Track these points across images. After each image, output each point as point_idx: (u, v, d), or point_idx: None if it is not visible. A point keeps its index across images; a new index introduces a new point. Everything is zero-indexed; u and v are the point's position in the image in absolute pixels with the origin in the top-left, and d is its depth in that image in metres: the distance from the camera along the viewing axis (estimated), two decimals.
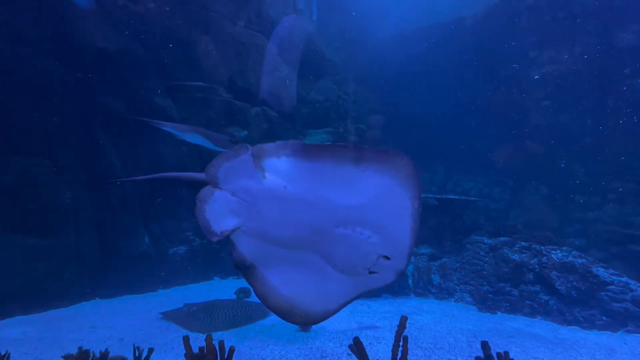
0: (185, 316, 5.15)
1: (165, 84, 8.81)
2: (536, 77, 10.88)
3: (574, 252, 6.97)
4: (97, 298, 7.18)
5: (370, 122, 14.56)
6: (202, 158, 9.48)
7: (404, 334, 2.22)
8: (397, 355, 2.31)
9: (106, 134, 7.83)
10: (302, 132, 13.45)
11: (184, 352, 3.25)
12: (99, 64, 7.55)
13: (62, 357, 3.38)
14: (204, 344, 2.94)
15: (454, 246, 9.49)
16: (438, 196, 10.35)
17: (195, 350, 3.27)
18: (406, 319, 2.22)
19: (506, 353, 3.67)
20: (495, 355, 3.66)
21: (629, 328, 5.86)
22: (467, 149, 12.75)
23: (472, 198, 10.90)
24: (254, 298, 7.19)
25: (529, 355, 4.63)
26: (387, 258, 1.90)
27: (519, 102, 11.34)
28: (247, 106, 10.56)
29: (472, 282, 8.11)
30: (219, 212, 1.90)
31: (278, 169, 1.83)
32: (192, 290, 8.08)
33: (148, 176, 2.37)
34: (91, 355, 3.35)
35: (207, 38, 9.82)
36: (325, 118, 13.59)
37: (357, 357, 2.13)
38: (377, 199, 1.78)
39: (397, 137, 13.39)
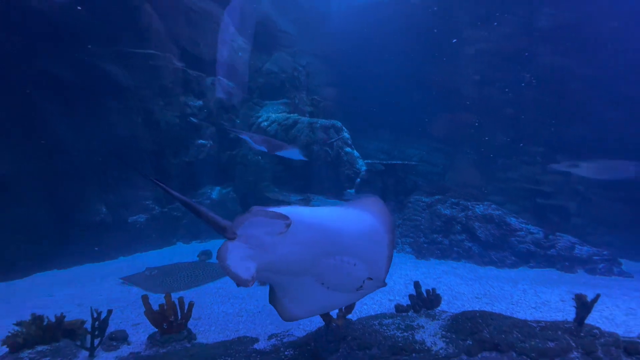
0: (146, 279, 4.98)
1: (114, 50, 7.90)
2: (469, 53, 11.26)
3: (493, 206, 7.64)
4: (54, 269, 6.68)
5: (324, 93, 14.36)
6: (157, 131, 8.85)
7: None
8: None
9: (52, 103, 6.94)
10: (259, 104, 12.94)
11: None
12: (39, 27, 6.53)
13: (14, 324, 3.15)
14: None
15: (397, 205, 9.93)
16: (384, 162, 10.65)
17: (157, 308, 3.21)
18: None
19: (433, 290, 4.04)
20: (424, 292, 4.02)
21: (531, 264, 6.67)
22: (412, 119, 13.09)
23: (413, 163, 11.38)
24: (215, 259, 7.12)
25: (453, 290, 5.13)
26: (371, 279, 2.23)
27: (455, 76, 11.73)
28: (202, 75, 9.87)
29: (411, 235, 8.64)
30: (241, 262, 2.02)
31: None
32: (154, 255, 7.80)
33: (179, 196, 2.34)
34: (46, 320, 3.16)
35: (156, 3, 8.84)
36: (281, 89, 13.15)
37: None
38: (362, 236, 2.12)
39: (348, 108, 13.40)
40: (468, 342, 3.19)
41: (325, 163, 11.31)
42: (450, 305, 4.52)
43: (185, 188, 9.71)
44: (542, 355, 3.10)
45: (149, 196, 8.59)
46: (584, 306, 3.28)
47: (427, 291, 3.92)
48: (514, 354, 3.10)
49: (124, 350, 2.89)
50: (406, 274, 6.10)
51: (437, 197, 8.64)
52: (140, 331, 3.42)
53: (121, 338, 2.97)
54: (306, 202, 9.83)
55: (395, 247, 8.60)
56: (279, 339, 3.56)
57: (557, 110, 9.34)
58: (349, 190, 11.68)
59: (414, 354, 3.17)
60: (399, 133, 14.47)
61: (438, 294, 3.94)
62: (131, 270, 5.93)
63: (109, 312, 3.09)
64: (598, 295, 3.20)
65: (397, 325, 3.56)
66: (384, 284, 2.28)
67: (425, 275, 6.09)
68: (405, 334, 3.41)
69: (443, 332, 3.37)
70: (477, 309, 3.57)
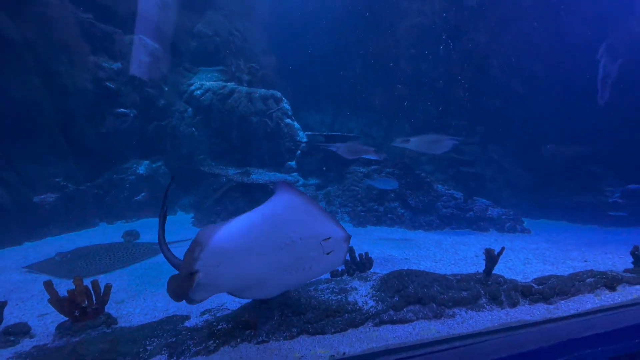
0: (57, 265, 4.39)
1: None
2: (405, 26, 11.49)
3: (423, 174, 8.19)
4: None
5: (263, 62, 13.65)
6: (64, 96, 7.61)
7: None
8: None
9: None
10: (191, 70, 11.86)
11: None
12: None
13: None
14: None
15: (337, 176, 10.16)
16: (325, 133, 10.68)
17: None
18: None
19: (366, 253, 4.27)
20: (357, 256, 4.23)
21: (453, 226, 7.41)
22: (353, 91, 13.14)
23: (352, 135, 11.62)
24: (143, 240, 6.61)
25: (385, 253, 5.46)
26: (327, 238, 2.24)
27: (392, 49, 11.95)
28: (118, 32, 8.60)
29: (349, 204, 8.96)
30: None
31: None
32: (69, 239, 6.94)
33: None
34: None
35: None
36: (216, 54, 12.16)
37: None
38: (292, 216, 2.15)
39: (289, 79, 12.97)
40: (395, 298, 3.43)
41: (264, 135, 10.98)
42: (383, 267, 4.80)
43: (104, 163, 8.68)
44: (457, 304, 3.48)
45: (60, 172, 7.52)
46: (491, 259, 3.72)
47: (360, 255, 4.11)
48: (434, 305, 3.43)
49: (25, 344, 2.53)
50: None
51: (373, 167, 8.97)
52: (48, 322, 3.04)
53: (21, 332, 2.59)
54: (245, 175, 9.53)
55: (336, 217, 8.86)
56: (212, 314, 3.45)
57: (480, 85, 10.14)
58: (289, 163, 11.59)
59: (346, 315, 3.32)
60: (340, 105, 14.52)
61: (370, 257, 4.15)
62: (39, 257, 5.19)
63: (3, 304, 2.66)
64: (502, 249, 3.65)
65: (331, 289, 3.68)
66: (347, 235, 2.31)
67: (361, 241, 6.40)
68: (338, 296, 3.55)
69: (374, 292, 3.57)
70: (405, 268, 3.84)
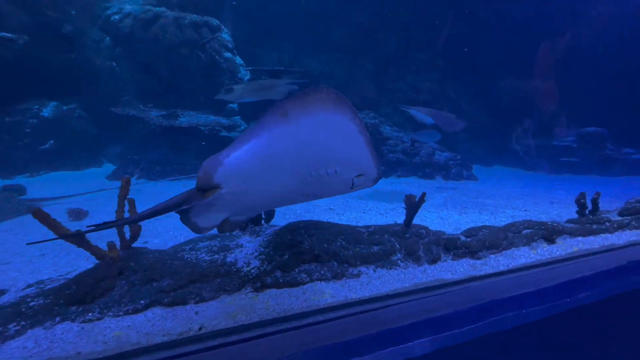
0: None
1: None
2: None
3: (371, 114, 7.39)
4: None
5: None
6: None
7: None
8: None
9: None
10: None
11: None
12: None
13: None
14: None
15: None
16: (269, 68, 9.43)
17: None
18: None
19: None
20: None
21: (398, 173, 6.82)
22: (313, 27, 11.90)
23: (302, 70, 10.39)
24: (31, 196, 5.55)
25: (309, 204, 4.82)
26: (360, 175, 1.97)
27: None
28: None
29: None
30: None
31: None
32: None
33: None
34: None
35: None
36: None
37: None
38: (329, 138, 1.75)
39: (244, 15, 11.27)
40: (285, 256, 2.74)
41: (198, 71, 9.56)
42: (301, 217, 4.16)
43: None
44: (364, 261, 2.87)
45: None
46: (412, 206, 3.07)
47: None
48: (335, 264, 2.79)
49: None
50: None
51: None
52: None
53: None
54: (172, 118, 8.33)
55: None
56: (41, 286, 2.64)
57: (445, 13, 9.12)
58: (230, 105, 10.41)
59: (218, 279, 2.62)
60: (300, 43, 13.24)
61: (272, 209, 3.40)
62: None
63: None
64: (424, 195, 2.98)
65: (209, 248, 2.94)
66: (379, 176, 2.04)
67: None
68: (215, 256, 2.83)
69: (262, 249, 2.87)
70: (325, 220, 3.15)
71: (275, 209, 3.46)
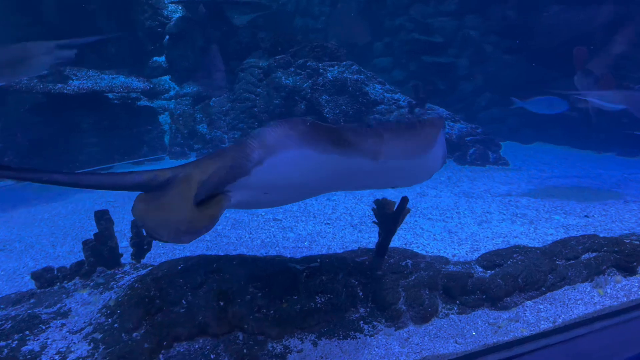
0: None
1: None
2: None
3: (353, 67, 6.64)
4: None
5: None
6: None
7: None
8: None
9: None
10: None
11: None
12: None
13: None
14: None
15: (227, 77, 8.34)
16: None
17: None
18: None
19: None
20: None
21: None
22: None
23: (254, 1, 9.39)
24: None
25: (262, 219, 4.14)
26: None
27: None
28: None
29: (241, 125, 7.41)
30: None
31: None
32: None
33: None
34: None
35: None
36: None
37: None
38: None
39: None
40: (137, 334, 1.97)
41: (99, 6, 8.53)
42: (222, 235, 3.41)
43: None
44: (297, 328, 2.16)
45: None
46: (387, 221, 2.31)
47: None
48: (240, 337, 2.12)
49: None
50: None
51: (279, 57, 7.16)
52: None
53: None
54: (57, 79, 7.34)
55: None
56: None
57: None
58: (155, 59, 9.47)
59: None
60: None
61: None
62: None
63: None
64: (405, 201, 2.21)
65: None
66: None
67: None
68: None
69: (101, 320, 2.18)
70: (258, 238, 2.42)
71: None
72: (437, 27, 8.47)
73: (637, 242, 2.85)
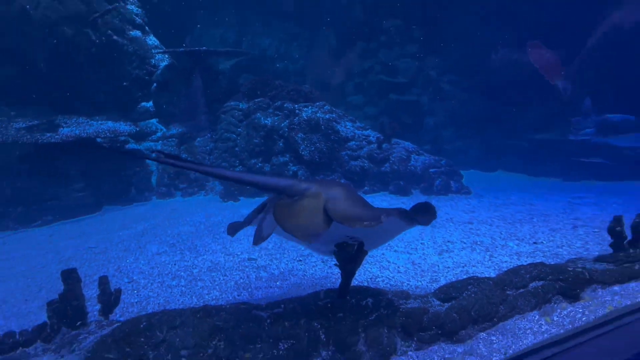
0: None
1: None
2: None
3: (326, 107, 6.68)
4: None
5: None
6: None
7: None
8: None
9: None
10: None
11: None
12: None
13: None
14: None
15: (209, 119, 8.38)
16: (188, 49, 8.56)
17: None
18: None
19: (117, 291, 2.62)
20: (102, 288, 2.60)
21: (365, 188, 6.06)
22: None
23: (240, 49, 9.57)
24: None
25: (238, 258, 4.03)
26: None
27: None
28: None
29: (224, 163, 7.40)
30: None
31: None
32: None
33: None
34: None
35: None
36: None
37: None
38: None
39: None
40: None
41: (91, 58, 8.54)
42: (197, 279, 3.31)
43: None
44: None
45: None
46: (348, 261, 2.31)
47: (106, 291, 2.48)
48: None
49: None
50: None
51: (258, 100, 7.24)
52: None
53: None
54: (47, 129, 7.27)
55: (205, 187, 7.42)
56: None
57: None
58: (143, 104, 9.43)
59: None
60: (248, 17, 12.64)
61: (119, 291, 2.56)
62: None
63: None
64: (362, 243, 2.23)
65: None
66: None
67: (208, 231, 4.82)
68: None
69: None
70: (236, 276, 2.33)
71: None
72: (402, 68, 8.67)
73: (579, 270, 2.78)
